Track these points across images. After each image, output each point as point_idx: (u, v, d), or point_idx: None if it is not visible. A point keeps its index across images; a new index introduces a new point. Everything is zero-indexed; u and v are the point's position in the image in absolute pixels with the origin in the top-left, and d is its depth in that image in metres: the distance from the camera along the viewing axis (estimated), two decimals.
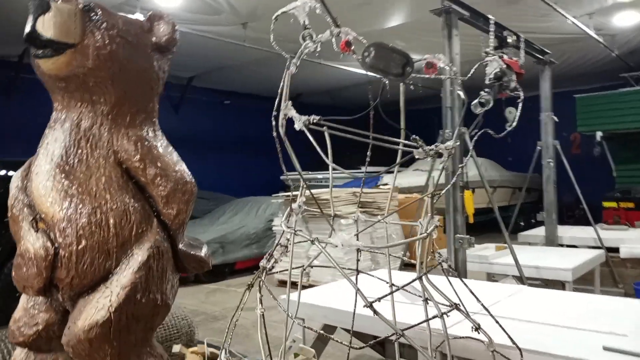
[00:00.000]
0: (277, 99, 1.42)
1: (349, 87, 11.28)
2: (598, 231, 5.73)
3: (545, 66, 5.70)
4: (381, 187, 8.67)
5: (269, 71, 9.65)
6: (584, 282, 4.79)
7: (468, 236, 4.15)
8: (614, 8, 6.69)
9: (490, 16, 4.61)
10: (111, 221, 1.50)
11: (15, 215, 1.63)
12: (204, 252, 1.82)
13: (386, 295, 1.50)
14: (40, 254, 1.54)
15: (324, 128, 1.33)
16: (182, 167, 1.71)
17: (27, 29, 1.51)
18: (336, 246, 1.32)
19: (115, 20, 1.62)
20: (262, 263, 1.63)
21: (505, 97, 5.15)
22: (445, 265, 1.44)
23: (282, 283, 6.92)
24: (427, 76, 1.41)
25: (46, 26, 1.50)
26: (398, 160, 1.65)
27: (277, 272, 1.62)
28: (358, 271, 2.04)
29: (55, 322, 1.67)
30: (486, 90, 1.45)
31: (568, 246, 5.95)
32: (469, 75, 1.51)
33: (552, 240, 5.92)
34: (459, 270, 4.16)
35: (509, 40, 4.86)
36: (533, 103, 5.79)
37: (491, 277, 4.83)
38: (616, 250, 5.48)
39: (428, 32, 7.27)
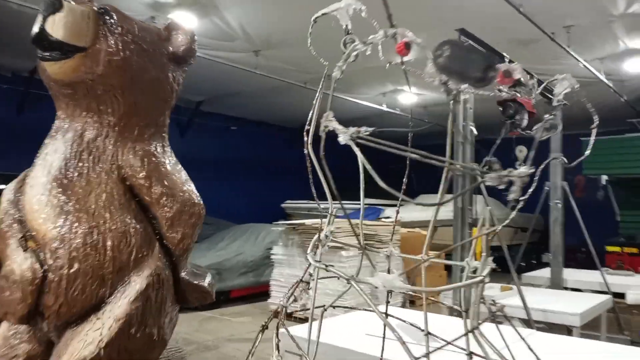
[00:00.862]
0: (311, 112, 1.30)
1: (359, 120, 11.27)
2: (605, 276, 5.57)
3: (555, 107, 5.64)
4: (383, 220, 8.53)
5: (278, 99, 9.65)
6: (588, 327, 4.63)
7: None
8: (625, 54, 6.70)
9: (505, 54, 4.57)
10: (109, 243, 1.34)
11: (3, 231, 1.47)
12: (207, 281, 1.65)
13: (436, 350, 1.35)
14: (27, 276, 1.37)
15: (370, 142, 1.19)
16: (191, 187, 1.57)
17: (35, 28, 1.39)
18: (376, 287, 1.18)
19: (131, 25, 1.50)
20: (282, 302, 1.46)
21: (516, 135, 5.09)
22: (494, 310, 1.30)
23: (279, 314, 6.70)
24: (502, 88, 1.27)
25: (56, 26, 1.38)
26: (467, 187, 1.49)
27: (297, 311, 1.44)
28: (387, 315, 1.88)
29: (38, 354, 1.49)
30: (553, 113, 1.31)
31: (572, 289, 5.80)
32: (536, 92, 1.39)
33: (557, 283, 5.76)
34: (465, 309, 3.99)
35: (523, 80, 4.81)
36: (541, 144, 5.72)
37: (494, 319, 4.65)
38: (621, 295, 5.33)
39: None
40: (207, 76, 7.79)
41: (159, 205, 1.48)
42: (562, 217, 5.85)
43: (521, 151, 6.05)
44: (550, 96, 6.20)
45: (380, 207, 9.93)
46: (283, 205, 11.47)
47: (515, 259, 6.12)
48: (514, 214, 1.22)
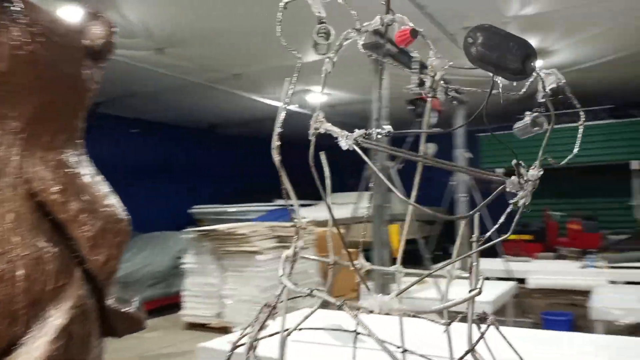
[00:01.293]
0: (277, 121, 1.16)
1: (269, 120, 11.11)
2: (507, 263, 5.95)
3: (459, 105, 5.92)
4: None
5: (183, 99, 9.23)
6: (494, 313, 4.91)
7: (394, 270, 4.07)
8: None
9: (413, 54, 4.69)
10: (19, 272, 1.09)
11: None
12: (136, 307, 1.44)
13: None
14: None
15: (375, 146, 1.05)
16: (113, 201, 1.37)
17: None
18: (371, 311, 1.07)
19: (38, 14, 1.26)
20: (247, 336, 1.27)
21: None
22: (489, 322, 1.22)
23: (193, 326, 6.42)
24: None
25: None
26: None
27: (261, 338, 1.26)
28: (357, 333, 1.78)
29: None
30: (538, 110, 1.24)
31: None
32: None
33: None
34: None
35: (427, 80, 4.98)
36: (445, 139, 6.01)
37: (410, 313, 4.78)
38: (523, 281, 5.72)
39: (351, 68, 7.38)
40: (104, 76, 7.25)
41: (78, 224, 1.25)
42: (467, 210, 6.18)
43: (429, 148, 6.27)
44: (457, 95, 6.35)
45: (293, 207, 9.88)
46: (191, 210, 11.03)
47: (427, 251, 6.36)
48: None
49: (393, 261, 4.23)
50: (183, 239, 7.46)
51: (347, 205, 9.72)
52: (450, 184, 6.06)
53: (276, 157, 1.09)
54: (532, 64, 0.94)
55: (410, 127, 4.76)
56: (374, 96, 4.08)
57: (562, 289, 5.47)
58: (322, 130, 1.00)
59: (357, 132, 0.94)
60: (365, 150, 0.98)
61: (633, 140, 8.46)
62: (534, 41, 6.82)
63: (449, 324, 1.19)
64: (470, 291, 1.04)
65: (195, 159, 12.12)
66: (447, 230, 7.20)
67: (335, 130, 0.97)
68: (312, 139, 1.03)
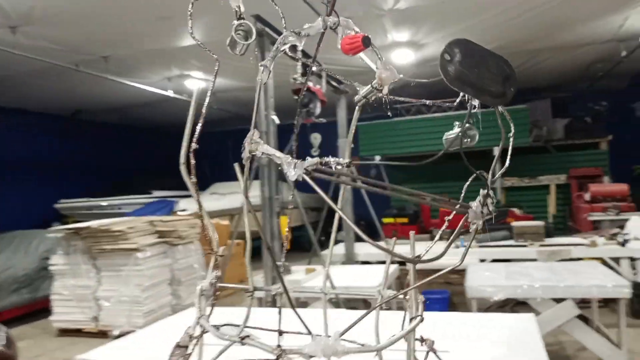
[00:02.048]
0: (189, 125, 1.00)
1: (142, 106, 10.43)
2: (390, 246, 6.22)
3: (341, 95, 6.02)
4: (179, 213, 8.12)
5: (44, 84, 8.32)
6: None
7: (286, 263, 4.05)
8: (393, 46, 7.48)
9: (298, 44, 4.65)
10: None
11: None
12: (2, 342, 1.19)
13: None
14: None
15: (347, 174, 0.89)
16: None
17: None
18: (311, 357, 0.94)
19: None
20: None
21: (310, 122, 5.28)
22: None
23: (66, 332, 5.88)
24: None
25: None
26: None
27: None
28: None
29: None
30: (469, 122, 1.18)
31: (362, 262, 6.37)
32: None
33: (351, 258, 6.25)
34: (275, 299, 4.02)
35: (314, 68, 4.99)
36: (327, 128, 6.10)
37: (304, 304, 4.81)
38: (404, 263, 6.04)
39: (228, 55, 7.12)
40: None
41: None
42: (351, 197, 6.35)
43: (315, 138, 6.29)
44: (335, 85, 6.51)
45: (172, 199, 9.45)
46: (57, 205, 10.06)
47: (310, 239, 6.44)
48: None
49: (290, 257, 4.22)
50: (50, 237, 6.78)
51: (235, 195, 9.52)
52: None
53: (187, 178, 0.95)
54: (512, 87, 0.86)
55: (295, 117, 4.74)
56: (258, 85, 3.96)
57: (438, 268, 5.84)
58: (258, 153, 0.88)
59: (310, 160, 0.82)
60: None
61: (494, 128, 9.28)
62: (406, 34, 7.16)
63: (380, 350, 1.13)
64: (411, 320, 1.00)
65: (61, 149, 11.05)
66: (331, 216, 7.36)
67: (277, 156, 0.85)
68: (247, 164, 0.90)
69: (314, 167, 0.78)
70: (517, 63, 8.83)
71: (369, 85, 0.99)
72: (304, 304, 4.74)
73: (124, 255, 5.55)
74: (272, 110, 4.10)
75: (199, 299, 1.02)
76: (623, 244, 5.45)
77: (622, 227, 6.99)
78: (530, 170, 9.97)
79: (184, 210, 8.38)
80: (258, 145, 0.85)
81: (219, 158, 10.08)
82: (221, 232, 7.54)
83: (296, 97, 4.80)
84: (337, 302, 4.16)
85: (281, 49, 0.93)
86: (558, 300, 3.99)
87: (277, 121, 4.14)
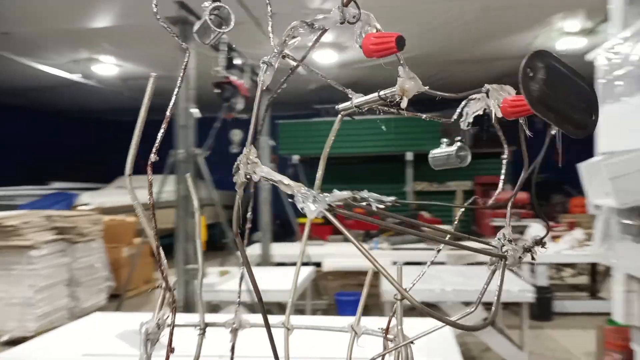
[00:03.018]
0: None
1: (44, 90, 9.57)
2: (305, 247, 6.16)
3: (263, 92, 5.86)
4: (80, 208, 7.53)
5: None
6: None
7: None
8: (317, 46, 7.44)
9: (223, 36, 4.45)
10: None
11: None
12: None
13: None
14: None
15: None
16: None
17: None
18: None
19: None
20: None
21: (232, 118, 5.08)
22: None
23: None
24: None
25: None
26: None
27: None
28: None
29: None
30: (460, 139, 1.07)
31: (278, 264, 6.26)
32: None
33: (266, 259, 6.12)
34: (189, 304, 3.81)
35: (236, 62, 4.82)
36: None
37: (216, 307, 4.61)
38: (318, 264, 6.01)
39: (144, 41, 6.71)
40: None
41: None
42: (269, 196, 6.22)
43: (235, 135, 6.08)
44: (256, 79, 6.32)
45: (72, 192, 8.74)
46: None
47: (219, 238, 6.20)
48: None
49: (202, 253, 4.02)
50: None
51: (144, 189, 8.99)
52: None
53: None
54: (594, 116, 0.72)
55: (218, 112, 4.53)
56: (180, 77, 3.72)
57: (352, 270, 5.87)
58: (255, 177, 0.72)
59: (338, 195, 0.66)
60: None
61: (408, 134, 9.58)
62: (330, 35, 7.15)
63: None
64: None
65: None
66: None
67: (286, 183, 0.68)
68: (239, 190, 0.74)
69: (342, 202, 0.64)
70: (432, 72, 9.17)
71: (374, 94, 0.85)
72: (216, 307, 4.55)
73: (16, 252, 5.01)
74: (193, 104, 3.88)
75: (144, 343, 0.83)
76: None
77: (522, 232, 7.47)
78: (439, 176, 10.41)
79: (85, 204, 7.78)
80: (256, 166, 0.70)
81: (127, 149, 9.48)
82: (127, 229, 7.09)
83: (217, 91, 4.59)
84: (252, 306, 4.02)
85: (291, 43, 0.77)
86: (467, 304, 4.13)
87: (198, 114, 3.92)
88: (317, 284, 5.88)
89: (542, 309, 5.39)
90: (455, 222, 1.13)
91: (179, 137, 3.76)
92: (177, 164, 3.74)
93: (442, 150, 0.90)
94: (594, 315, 5.40)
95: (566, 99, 0.66)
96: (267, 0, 0.80)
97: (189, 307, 3.67)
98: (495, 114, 0.75)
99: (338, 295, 5.75)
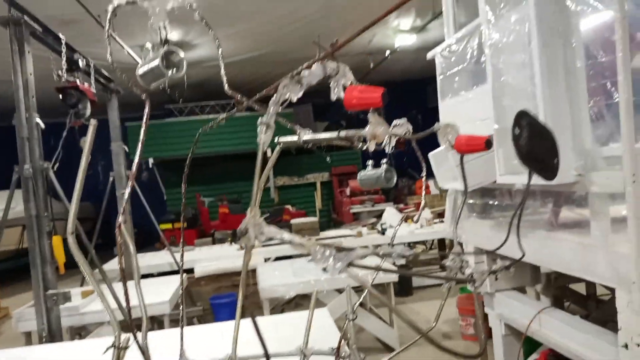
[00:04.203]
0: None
1: None
2: (174, 255, 5.96)
3: (112, 95, 5.52)
4: None
5: None
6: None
7: (64, 290, 3.56)
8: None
9: (61, 35, 4.10)
10: None
11: None
12: None
13: None
14: None
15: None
16: None
17: None
18: None
19: None
20: None
21: (79, 125, 4.71)
22: None
23: None
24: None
25: None
26: None
27: None
28: None
29: None
30: (388, 162, 1.10)
31: (144, 276, 5.95)
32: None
33: (132, 273, 5.78)
34: (54, 333, 3.48)
35: (81, 64, 4.48)
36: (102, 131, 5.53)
37: (77, 332, 4.27)
38: (191, 270, 5.85)
39: None
40: None
41: None
42: (129, 206, 5.87)
43: (84, 142, 5.66)
44: (103, 81, 5.99)
45: None
46: None
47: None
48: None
49: (60, 277, 3.67)
50: None
51: None
52: (111, 179, 5.66)
53: None
54: (556, 158, 0.82)
55: (66, 119, 4.16)
56: (18, 82, 3.37)
57: (225, 273, 5.82)
58: (262, 239, 0.68)
59: (360, 252, 0.64)
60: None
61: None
62: (176, 33, 6.95)
63: None
64: None
65: None
66: (104, 225, 6.67)
67: (298, 242, 0.64)
68: (247, 254, 0.69)
69: (362, 258, 0.64)
70: (281, 70, 9.39)
71: (333, 134, 0.88)
72: (81, 329, 4.22)
73: None
74: (35, 112, 3.53)
75: None
76: (383, 232, 6.27)
77: (377, 217, 8.05)
78: (299, 170, 10.74)
79: None
80: (263, 228, 0.67)
81: None
82: None
83: (61, 97, 4.23)
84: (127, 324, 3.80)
85: (284, 100, 0.76)
86: (341, 291, 4.38)
87: (42, 125, 3.58)
88: (190, 291, 5.72)
89: (403, 285, 5.90)
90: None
91: (22, 151, 3.40)
92: (24, 180, 3.38)
93: (371, 173, 0.98)
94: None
95: (544, 152, 0.78)
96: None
97: (53, 337, 3.36)
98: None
99: (213, 299, 5.67)
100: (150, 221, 7.34)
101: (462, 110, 2.91)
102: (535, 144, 0.76)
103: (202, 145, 9.30)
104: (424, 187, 1.67)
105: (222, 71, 0.88)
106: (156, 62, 0.79)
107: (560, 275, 3.32)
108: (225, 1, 5.86)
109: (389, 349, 4.36)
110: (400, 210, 7.53)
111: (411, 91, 12.06)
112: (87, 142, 0.75)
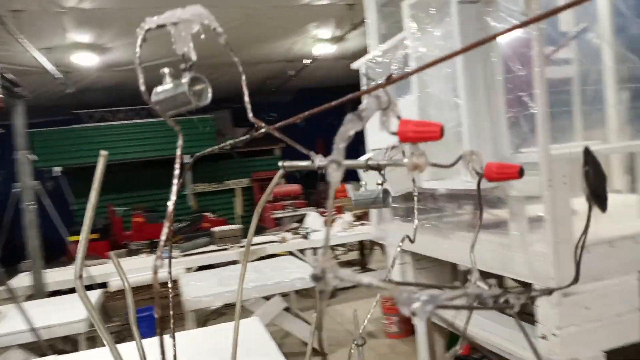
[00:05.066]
0: None
1: None
2: (88, 269, 5.63)
3: (18, 100, 5.13)
4: None
5: None
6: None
7: None
8: (72, 47, 6.79)
9: None
10: None
11: None
12: None
13: None
14: None
15: None
16: None
17: None
18: None
19: None
20: None
21: None
22: None
23: None
24: None
25: None
26: None
27: None
28: None
29: None
30: (383, 183, 1.07)
31: (53, 292, 5.58)
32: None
33: (41, 290, 5.40)
34: None
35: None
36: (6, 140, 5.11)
37: None
38: (104, 284, 5.55)
39: None
40: None
41: None
42: (35, 218, 5.47)
43: None
44: (9, 86, 5.62)
45: None
46: None
47: None
48: None
49: None
50: None
51: None
52: (14, 191, 5.24)
53: None
54: (605, 193, 0.88)
55: None
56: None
57: (143, 285, 5.59)
58: (335, 282, 0.60)
59: (449, 294, 0.58)
60: None
61: (185, 136, 9.43)
62: (88, 36, 6.61)
63: None
64: None
65: None
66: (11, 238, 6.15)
67: (376, 285, 0.57)
68: (323, 300, 0.63)
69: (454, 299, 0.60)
70: (204, 74, 9.21)
71: (361, 160, 0.87)
72: None
73: None
74: None
75: None
76: (306, 236, 6.33)
77: (299, 221, 8.11)
78: (217, 176, 10.55)
79: None
80: (336, 270, 0.60)
81: None
82: None
83: None
84: (38, 346, 3.56)
85: (349, 135, 0.72)
86: (268, 298, 4.36)
87: None
88: (105, 306, 5.43)
89: None
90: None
91: None
92: None
93: (367, 193, 0.99)
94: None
95: (602, 188, 0.84)
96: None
97: None
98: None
99: (127, 314, 5.43)
100: (59, 234, 6.87)
101: None
102: (599, 181, 0.83)
103: (115, 152, 8.85)
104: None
105: (246, 98, 0.85)
106: (182, 88, 0.76)
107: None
108: (142, 4, 5.65)
109: (316, 352, 4.41)
110: (322, 214, 7.64)
111: (330, 98, 12.30)
112: None
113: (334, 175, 0.62)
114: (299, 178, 11.81)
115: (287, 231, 7.00)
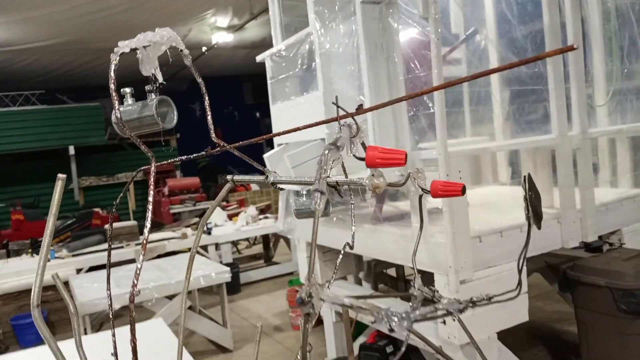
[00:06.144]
0: None
1: None
2: None
3: None
4: None
5: None
6: None
7: None
8: None
9: None
10: None
11: None
12: None
13: None
14: None
15: None
16: None
17: None
18: None
19: None
20: None
21: None
22: None
23: None
24: None
25: None
26: None
27: None
28: None
29: None
30: (345, 200, 1.01)
31: None
32: None
33: None
34: None
35: None
36: None
37: None
38: None
39: None
40: None
41: None
42: None
43: None
44: None
45: None
46: None
47: None
48: None
49: None
50: None
51: None
52: None
53: None
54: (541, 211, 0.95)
55: None
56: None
57: (28, 289, 5.13)
58: (321, 304, 0.54)
59: (422, 310, 0.53)
60: None
61: (67, 125, 8.76)
62: None
63: None
64: None
65: None
66: None
67: (360, 306, 0.53)
68: (310, 323, 0.56)
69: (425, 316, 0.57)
70: (84, 60, 8.59)
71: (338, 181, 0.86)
72: None
73: None
74: None
75: None
76: (209, 232, 6.18)
77: (199, 216, 7.89)
78: (107, 169, 9.93)
79: None
80: (321, 292, 0.54)
81: None
82: None
83: None
84: None
85: (330, 167, 0.67)
86: (171, 297, 4.21)
87: None
88: None
89: (231, 283, 5.90)
90: None
91: None
92: None
93: (308, 202, 0.96)
94: (274, 279, 6.24)
95: (539, 204, 0.91)
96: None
97: None
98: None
99: (15, 319, 4.98)
100: None
101: (294, 114, 3.04)
102: (537, 203, 0.92)
103: None
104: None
105: (209, 119, 0.82)
106: (149, 111, 0.70)
107: (378, 262, 3.70)
108: None
109: (222, 349, 4.34)
110: (223, 208, 7.50)
111: (227, 87, 12.05)
112: None
113: (320, 204, 0.65)
114: (197, 170, 11.48)
115: (187, 226, 6.79)
